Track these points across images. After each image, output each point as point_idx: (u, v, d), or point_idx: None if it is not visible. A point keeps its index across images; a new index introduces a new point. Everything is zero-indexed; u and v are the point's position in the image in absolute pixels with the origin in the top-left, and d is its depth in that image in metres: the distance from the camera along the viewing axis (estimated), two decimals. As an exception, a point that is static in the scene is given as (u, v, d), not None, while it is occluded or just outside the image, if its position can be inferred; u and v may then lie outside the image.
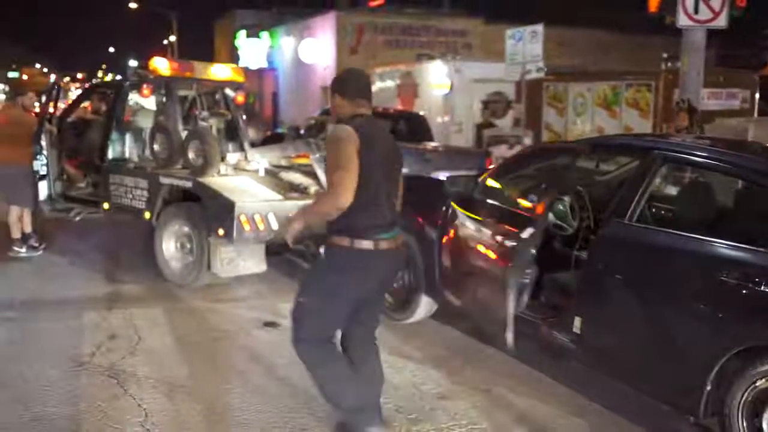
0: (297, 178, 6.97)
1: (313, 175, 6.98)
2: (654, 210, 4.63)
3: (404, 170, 3.66)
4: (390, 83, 19.29)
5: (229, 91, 7.93)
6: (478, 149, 13.08)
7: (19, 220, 7.58)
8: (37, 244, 7.64)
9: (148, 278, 6.64)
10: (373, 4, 29.91)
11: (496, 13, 25.96)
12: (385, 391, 3.81)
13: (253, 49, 32.19)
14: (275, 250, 6.53)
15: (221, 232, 5.95)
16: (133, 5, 39.61)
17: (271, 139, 14.61)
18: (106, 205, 7.31)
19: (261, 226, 5.96)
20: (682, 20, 9.52)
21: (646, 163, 3.99)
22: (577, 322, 3.96)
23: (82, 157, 7.97)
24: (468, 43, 27.46)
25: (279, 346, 4.78)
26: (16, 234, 7.55)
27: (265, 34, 32.92)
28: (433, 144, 11.73)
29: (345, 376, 3.40)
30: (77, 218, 7.96)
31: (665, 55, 18.37)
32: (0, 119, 7.84)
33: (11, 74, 75.76)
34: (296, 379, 4.17)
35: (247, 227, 5.89)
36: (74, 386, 4.21)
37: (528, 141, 12.39)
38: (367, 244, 3.25)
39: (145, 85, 7.23)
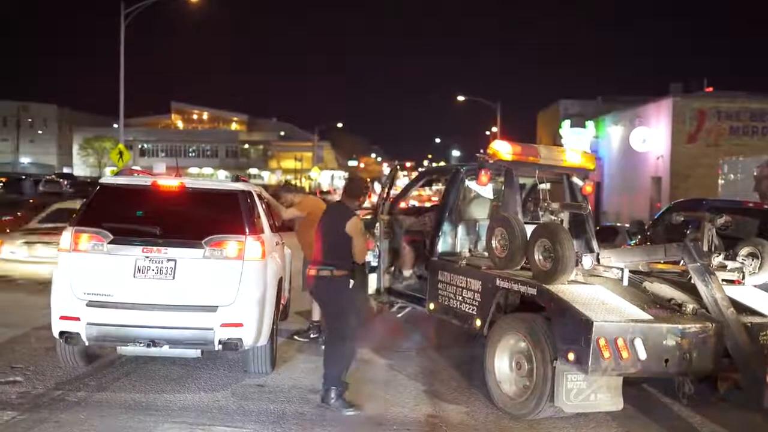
0: (666, 290, 5.47)
1: (685, 287, 5.43)
2: None
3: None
4: (740, 175, 16.68)
5: (576, 180, 6.73)
6: None
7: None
8: (315, 335, 7.17)
9: (475, 401, 5.56)
10: (708, 90, 27.28)
11: None
12: None
13: (577, 139, 31.12)
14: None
15: (571, 356, 4.67)
16: (460, 98, 41.29)
17: (600, 233, 13.24)
18: (431, 306, 6.46)
19: (624, 354, 4.58)
20: None
21: None
22: None
23: (410, 247, 7.31)
24: (836, 128, 23.53)
25: None
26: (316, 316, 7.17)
27: (590, 124, 31.84)
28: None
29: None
30: (399, 315, 7.30)
31: None
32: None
33: (351, 162, 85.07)
34: None
35: (606, 354, 4.56)
36: None
37: None
38: None
39: (483, 171, 6.31)
